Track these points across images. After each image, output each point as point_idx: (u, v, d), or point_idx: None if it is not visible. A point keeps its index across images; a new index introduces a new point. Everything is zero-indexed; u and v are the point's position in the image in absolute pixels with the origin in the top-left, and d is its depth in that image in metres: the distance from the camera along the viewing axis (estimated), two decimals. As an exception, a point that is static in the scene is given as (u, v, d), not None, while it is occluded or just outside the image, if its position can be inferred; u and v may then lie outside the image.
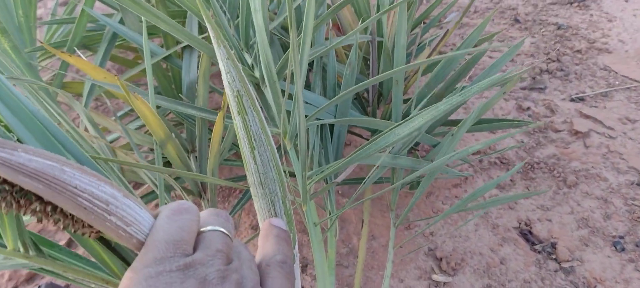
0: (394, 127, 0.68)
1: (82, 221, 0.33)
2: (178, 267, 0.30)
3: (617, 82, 1.38)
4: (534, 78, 1.42)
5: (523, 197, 0.99)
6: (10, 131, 0.42)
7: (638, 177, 1.12)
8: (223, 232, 0.36)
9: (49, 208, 0.32)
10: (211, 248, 0.34)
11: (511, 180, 1.13)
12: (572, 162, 1.16)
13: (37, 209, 0.32)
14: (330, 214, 0.89)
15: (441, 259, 0.97)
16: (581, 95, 1.34)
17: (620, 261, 0.97)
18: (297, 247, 0.57)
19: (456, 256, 0.97)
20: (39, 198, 0.32)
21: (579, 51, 1.50)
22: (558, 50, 1.51)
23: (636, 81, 1.37)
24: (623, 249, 0.99)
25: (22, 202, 0.32)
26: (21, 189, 0.31)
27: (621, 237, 1.01)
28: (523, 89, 1.38)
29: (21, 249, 0.44)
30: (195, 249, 0.34)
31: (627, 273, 0.95)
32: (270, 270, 0.37)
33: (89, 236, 0.35)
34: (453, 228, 1.02)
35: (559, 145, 1.20)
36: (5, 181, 0.30)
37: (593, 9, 1.72)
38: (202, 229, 0.36)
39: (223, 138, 0.86)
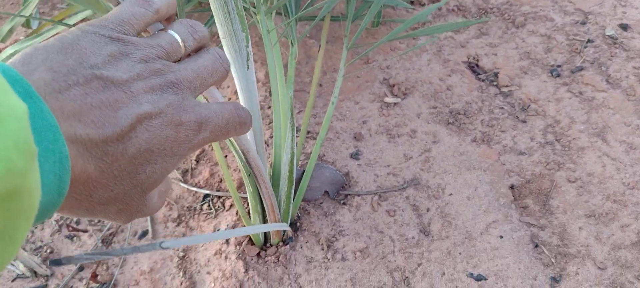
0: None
1: None
2: (109, 36, 0.33)
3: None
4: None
5: (464, 25, 1.10)
6: None
7: (583, 17, 1.21)
8: (176, 38, 0.37)
9: None
10: (153, 41, 0.35)
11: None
12: (523, 6, 1.25)
13: None
14: (291, 45, 0.99)
15: (394, 86, 1.08)
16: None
17: (555, 84, 1.08)
18: (250, 46, 0.68)
19: (408, 84, 1.09)
20: None
21: None
22: None
23: None
24: (558, 75, 1.10)
25: None
26: None
27: (558, 66, 1.12)
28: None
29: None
30: None
31: (559, 94, 1.07)
32: (203, 51, 0.39)
33: None
34: (408, 63, 1.13)
35: (514, -7, 1.29)
36: None
37: None
38: (162, 29, 0.38)
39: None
